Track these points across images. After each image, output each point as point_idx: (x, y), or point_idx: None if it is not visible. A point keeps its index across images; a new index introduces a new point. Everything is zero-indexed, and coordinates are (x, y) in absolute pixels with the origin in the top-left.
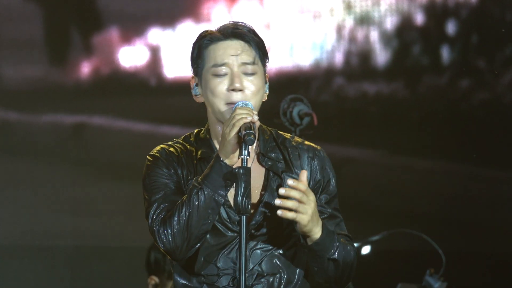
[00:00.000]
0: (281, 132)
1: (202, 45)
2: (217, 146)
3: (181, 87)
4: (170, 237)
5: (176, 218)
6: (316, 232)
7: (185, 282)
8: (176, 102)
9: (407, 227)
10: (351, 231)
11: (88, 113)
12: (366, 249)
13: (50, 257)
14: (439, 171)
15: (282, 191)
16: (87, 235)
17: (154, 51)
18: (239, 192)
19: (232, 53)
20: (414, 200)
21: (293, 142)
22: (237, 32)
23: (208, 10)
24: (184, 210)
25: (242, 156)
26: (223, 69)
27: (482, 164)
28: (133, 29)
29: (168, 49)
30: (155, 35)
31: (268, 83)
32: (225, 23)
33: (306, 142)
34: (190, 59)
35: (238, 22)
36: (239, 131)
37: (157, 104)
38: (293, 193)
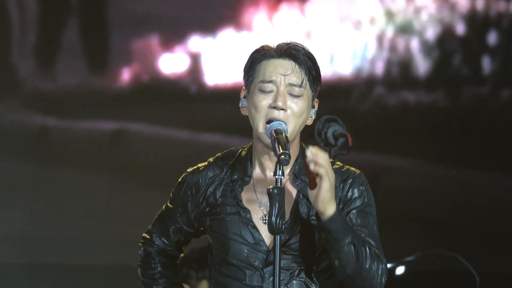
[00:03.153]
0: None
1: (256, 59)
2: (255, 167)
3: (221, 95)
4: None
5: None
6: (330, 207)
7: None
8: (216, 110)
9: (448, 239)
10: (390, 243)
11: (127, 120)
12: (400, 270)
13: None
14: (480, 181)
15: (309, 153)
16: (122, 245)
17: (195, 58)
18: (273, 212)
19: (281, 72)
20: (455, 210)
21: (333, 166)
22: (290, 52)
23: (249, 18)
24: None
25: (277, 176)
26: (270, 86)
27: None
28: (174, 36)
29: (209, 56)
30: (196, 42)
31: (316, 109)
32: (284, 41)
33: (346, 167)
34: (243, 70)
35: (296, 43)
36: (274, 150)
37: (197, 111)
38: (320, 158)
